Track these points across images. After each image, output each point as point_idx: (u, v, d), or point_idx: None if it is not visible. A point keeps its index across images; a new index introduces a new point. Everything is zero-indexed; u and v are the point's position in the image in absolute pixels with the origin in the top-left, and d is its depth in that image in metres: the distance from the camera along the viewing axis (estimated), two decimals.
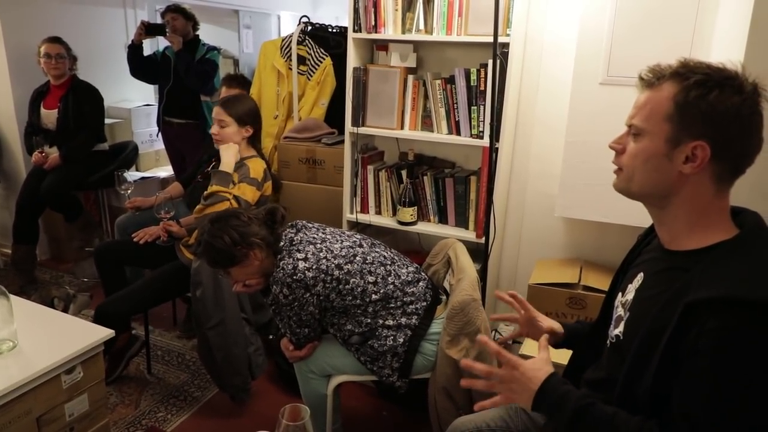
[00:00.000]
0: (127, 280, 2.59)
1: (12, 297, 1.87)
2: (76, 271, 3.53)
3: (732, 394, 0.89)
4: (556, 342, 1.40)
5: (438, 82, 2.39)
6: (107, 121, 3.72)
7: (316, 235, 1.80)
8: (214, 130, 2.40)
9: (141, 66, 3.60)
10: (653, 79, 1.01)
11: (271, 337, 2.50)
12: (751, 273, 0.92)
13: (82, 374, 1.82)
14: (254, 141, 2.48)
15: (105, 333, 1.87)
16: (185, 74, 3.45)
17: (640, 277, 1.12)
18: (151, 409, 2.30)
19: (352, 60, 2.50)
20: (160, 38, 3.58)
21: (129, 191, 2.77)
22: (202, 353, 2.28)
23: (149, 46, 4.05)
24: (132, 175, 3.85)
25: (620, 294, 1.18)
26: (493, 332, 2.71)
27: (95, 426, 1.91)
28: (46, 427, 1.74)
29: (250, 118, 2.40)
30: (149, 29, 3.47)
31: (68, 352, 1.75)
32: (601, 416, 1.01)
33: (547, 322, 1.40)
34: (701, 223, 1.01)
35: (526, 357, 2.03)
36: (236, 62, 5.28)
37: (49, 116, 3.33)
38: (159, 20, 3.59)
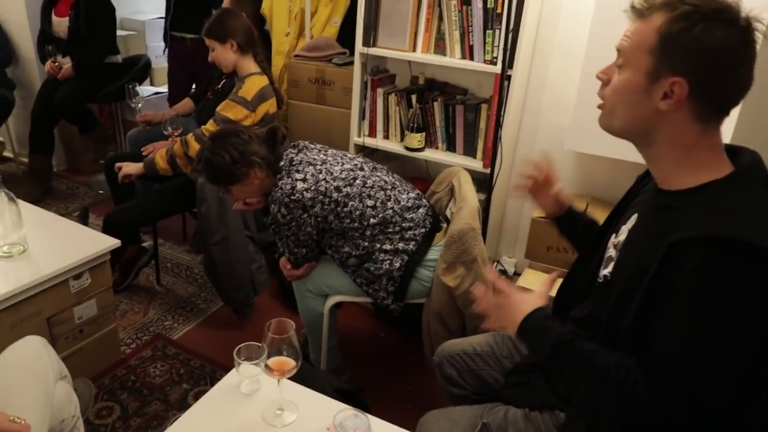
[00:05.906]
0: (137, 193, 2.64)
1: (23, 203, 1.93)
2: (91, 183, 3.59)
3: (708, 330, 0.87)
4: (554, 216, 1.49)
5: (453, 2, 2.27)
6: (120, 32, 3.65)
7: (316, 157, 1.79)
8: (209, 57, 2.40)
9: None
10: (644, 8, 0.95)
11: (277, 255, 2.56)
12: (739, 212, 0.89)
13: (89, 280, 1.90)
14: (260, 57, 2.43)
15: (112, 242, 1.93)
16: None
17: (634, 218, 1.09)
18: (159, 318, 2.41)
19: None
20: None
21: (140, 105, 2.78)
22: (207, 267, 2.35)
23: None
24: (145, 89, 3.82)
25: (614, 235, 1.16)
26: (495, 263, 2.74)
27: (104, 330, 2.02)
28: (57, 327, 1.84)
29: (228, 31, 2.32)
30: None
31: (76, 258, 1.82)
32: (580, 353, 1.00)
33: (562, 195, 1.47)
34: (689, 162, 0.97)
35: (524, 289, 2.08)
36: None
37: (61, 24, 3.28)
38: None
